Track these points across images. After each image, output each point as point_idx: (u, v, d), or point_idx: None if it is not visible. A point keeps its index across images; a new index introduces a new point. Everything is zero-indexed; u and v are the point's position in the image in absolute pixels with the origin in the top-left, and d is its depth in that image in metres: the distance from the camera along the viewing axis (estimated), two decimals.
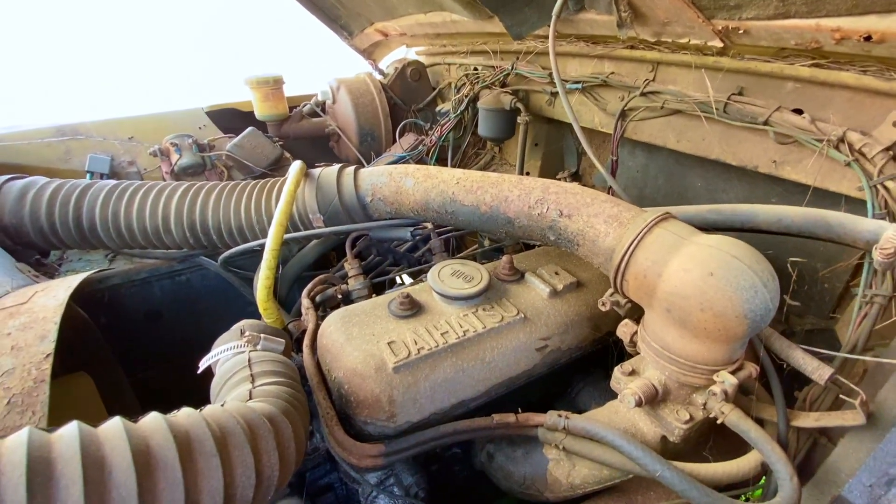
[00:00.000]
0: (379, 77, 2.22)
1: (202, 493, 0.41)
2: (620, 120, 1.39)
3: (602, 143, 1.73)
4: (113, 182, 1.21)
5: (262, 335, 0.72)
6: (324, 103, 2.15)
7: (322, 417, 0.78)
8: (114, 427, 0.40)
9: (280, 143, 1.94)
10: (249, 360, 0.64)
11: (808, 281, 1.14)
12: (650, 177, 1.58)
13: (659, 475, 0.72)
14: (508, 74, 1.76)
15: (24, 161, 1.47)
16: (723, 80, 1.10)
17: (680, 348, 0.75)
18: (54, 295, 0.80)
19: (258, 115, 1.93)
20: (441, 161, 2.04)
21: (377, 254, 1.43)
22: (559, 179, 1.92)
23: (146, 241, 1.22)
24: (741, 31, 0.89)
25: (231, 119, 1.97)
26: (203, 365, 0.71)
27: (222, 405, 0.50)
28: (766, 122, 1.02)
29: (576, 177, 1.92)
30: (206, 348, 1.43)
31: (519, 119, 1.70)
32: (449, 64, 2.22)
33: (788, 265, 1.07)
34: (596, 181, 1.84)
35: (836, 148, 0.92)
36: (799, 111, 1.00)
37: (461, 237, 1.76)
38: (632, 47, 1.29)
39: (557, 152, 1.99)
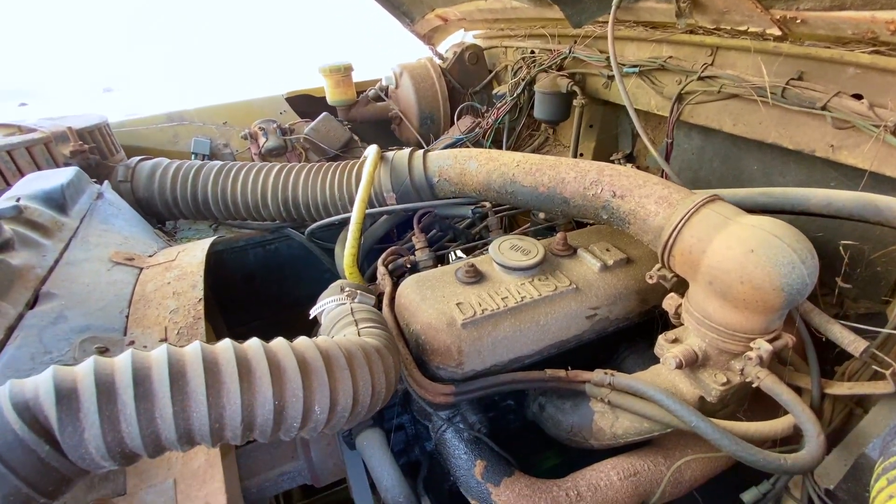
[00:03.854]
0: (438, 61, 2.33)
1: (339, 395, 0.57)
2: (677, 103, 1.42)
3: (658, 126, 1.75)
4: (220, 163, 1.42)
5: (358, 291, 0.89)
6: (387, 88, 2.29)
7: (402, 361, 0.94)
8: (278, 343, 0.57)
9: (349, 126, 2.11)
10: (352, 310, 0.80)
11: (863, 265, 1.16)
12: (706, 159, 1.60)
13: (694, 425, 0.82)
14: (566, 58, 1.81)
15: (143, 143, 1.73)
16: (782, 65, 1.12)
17: (720, 318, 0.83)
18: (194, 255, 1.01)
19: (330, 100, 2.11)
20: (496, 142, 2.14)
21: (439, 229, 1.57)
22: (613, 161, 1.99)
23: (247, 214, 1.43)
24: (799, 21, 0.92)
25: (306, 104, 2.16)
26: (313, 313, 0.89)
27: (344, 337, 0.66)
28: (824, 107, 1.04)
29: (630, 158, 1.96)
30: (289, 306, 1.66)
31: (575, 102, 1.76)
32: (506, 47, 2.28)
33: (841, 248, 1.10)
34: (650, 163, 1.87)
35: (894, 133, 0.94)
36: (858, 96, 1.01)
37: (514, 216, 1.86)
38: (691, 32, 1.31)
39: (612, 134, 2.02)
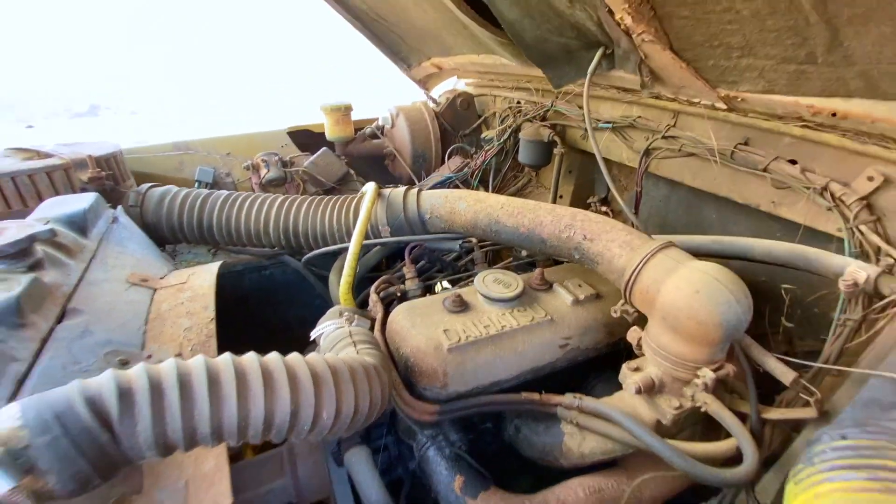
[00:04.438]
0: (432, 105, 2.51)
1: (343, 404, 0.66)
2: (645, 157, 1.60)
3: (630, 175, 1.93)
4: (225, 192, 1.53)
5: (355, 315, 0.99)
6: (384, 127, 2.45)
7: (391, 382, 1.03)
8: (294, 357, 0.67)
9: (345, 160, 2.24)
10: (350, 333, 0.90)
11: (803, 307, 1.31)
12: (671, 207, 1.77)
13: (649, 444, 0.93)
14: (548, 110, 2.00)
15: (150, 170, 1.82)
16: (731, 131, 1.30)
17: (673, 349, 0.96)
18: (204, 278, 1.09)
19: (328, 136, 2.25)
20: (483, 182, 2.30)
21: (428, 261, 1.69)
22: (590, 203, 2.15)
23: (248, 241, 1.52)
24: (740, 99, 1.10)
25: (306, 137, 2.30)
26: (314, 335, 0.98)
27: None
28: (765, 169, 1.21)
29: (604, 202, 2.13)
30: (280, 329, 1.73)
31: (555, 150, 1.93)
32: (495, 96, 2.48)
33: (783, 291, 1.25)
34: (622, 207, 2.04)
35: (822, 195, 1.11)
36: (793, 161, 1.19)
37: (497, 251, 2.00)
38: (657, 97, 1.50)
39: (589, 179, 2.20)
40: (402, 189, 1.45)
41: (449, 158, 2.35)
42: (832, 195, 1.09)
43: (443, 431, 1.08)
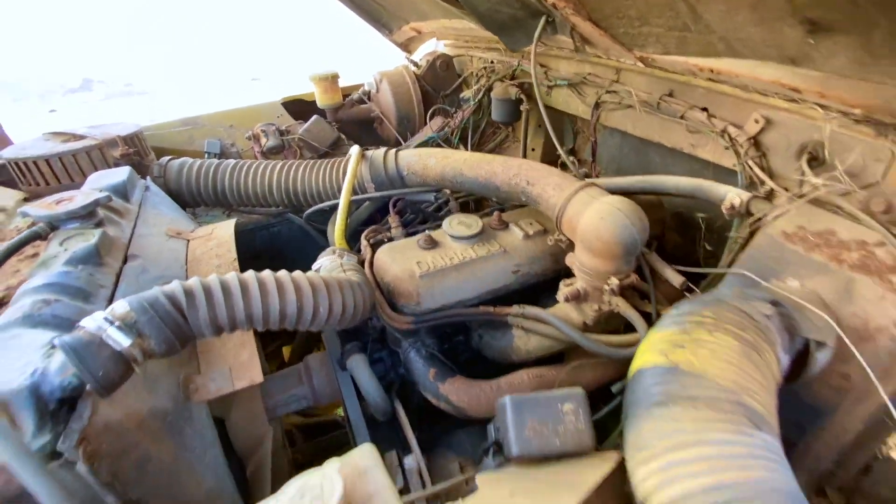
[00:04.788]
0: (413, 68, 2.68)
1: (334, 305, 0.96)
2: (595, 110, 1.81)
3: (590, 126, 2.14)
4: (234, 161, 1.79)
5: (345, 252, 1.27)
6: (369, 92, 2.65)
7: (378, 303, 1.33)
8: (297, 273, 0.95)
9: (336, 126, 2.47)
10: (342, 264, 1.18)
11: (717, 231, 1.57)
12: (625, 154, 2.00)
13: (575, 338, 1.22)
14: (515, 70, 2.19)
15: (165, 144, 2.08)
16: (658, 84, 1.51)
17: (590, 265, 1.23)
18: (225, 230, 1.38)
19: (319, 103, 2.46)
20: (463, 140, 2.52)
21: (411, 213, 1.95)
22: (559, 155, 2.38)
23: (255, 201, 1.79)
24: (650, 59, 1.31)
25: (299, 107, 2.52)
26: (314, 268, 1.27)
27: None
28: (682, 117, 1.44)
29: (572, 152, 2.35)
30: None
31: (522, 107, 2.14)
32: (471, 56, 2.64)
33: (700, 220, 1.51)
34: (587, 155, 2.26)
35: (722, 136, 1.34)
36: (704, 109, 1.40)
37: (478, 201, 2.25)
38: (598, 56, 1.70)
39: (558, 132, 2.41)
40: (382, 150, 1.70)
41: (431, 119, 2.55)
42: (729, 136, 1.32)
43: (420, 338, 1.39)
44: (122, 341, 0.72)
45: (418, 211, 1.98)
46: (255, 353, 1.05)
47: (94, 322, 0.72)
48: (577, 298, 1.28)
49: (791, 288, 0.93)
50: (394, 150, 1.69)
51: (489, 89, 2.35)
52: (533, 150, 2.42)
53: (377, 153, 1.69)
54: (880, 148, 1.01)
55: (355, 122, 2.61)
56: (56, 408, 0.69)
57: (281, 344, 2.42)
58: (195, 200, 1.77)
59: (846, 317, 0.88)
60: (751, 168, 1.28)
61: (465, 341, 1.56)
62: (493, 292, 1.44)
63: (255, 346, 1.03)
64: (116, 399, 0.78)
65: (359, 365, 1.38)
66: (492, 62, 2.42)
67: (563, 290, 1.29)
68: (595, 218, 1.17)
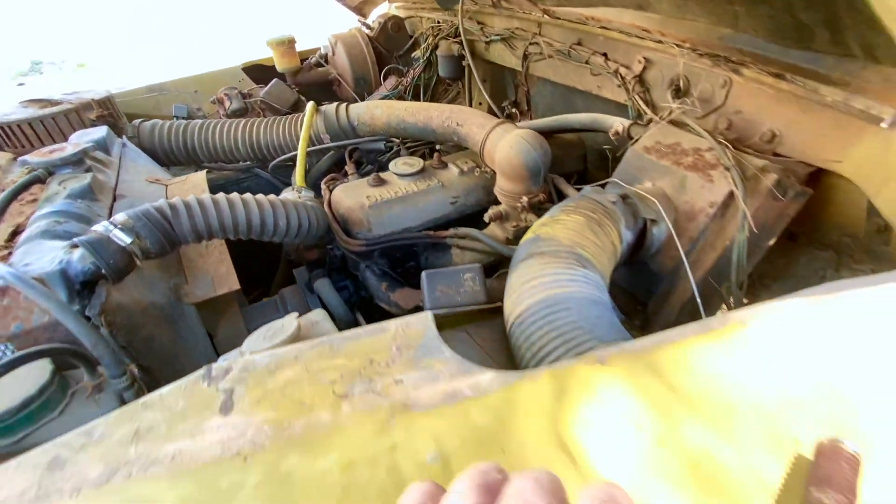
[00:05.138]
0: (366, 30, 2.84)
1: (291, 220, 1.20)
2: (524, 61, 2.04)
3: (528, 78, 2.37)
4: (201, 121, 1.97)
5: (303, 189, 1.51)
6: (326, 55, 2.81)
7: (335, 231, 1.58)
8: (259, 195, 1.19)
9: (296, 89, 2.64)
10: (300, 196, 1.42)
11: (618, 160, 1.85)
12: (556, 100, 2.24)
13: (497, 250, 1.50)
14: (457, 28, 2.38)
15: (133, 110, 2.23)
16: (569, 34, 1.75)
17: (507, 188, 1.50)
18: (197, 177, 1.59)
19: (278, 68, 2.62)
20: (416, 97, 2.72)
21: (368, 163, 2.18)
22: (504, 106, 2.61)
23: (224, 157, 1.99)
24: (552, 12, 1.55)
25: (259, 72, 2.67)
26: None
27: None
28: (587, 62, 1.68)
29: (514, 104, 2.58)
30: None
31: (464, 63, 2.35)
32: (421, 17, 2.81)
33: (607, 150, 1.78)
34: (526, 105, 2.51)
35: (616, 76, 1.60)
36: (605, 54, 1.65)
37: (431, 149, 2.48)
38: (524, 11, 1.92)
39: (502, 86, 2.64)
40: (334, 104, 1.91)
41: (385, 79, 2.74)
42: (621, 76, 1.58)
43: (374, 261, 1.65)
44: (125, 238, 0.95)
45: (373, 160, 2.21)
46: (232, 267, 1.29)
47: (101, 227, 0.96)
48: (500, 218, 1.55)
49: (645, 187, 1.22)
50: (345, 104, 1.91)
51: (436, 48, 2.55)
52: (480, 104, 2.64)
53: (330, 107, 1.90)
54: (718, 76, 1.28)
55: (314, 85, 2.78)
56: (80, 289, 0.93)
57: (261, 294, 2.66)
58: (168, 159, 1.96)
59: (680, 204, 1.17)
60: (637, 102, 1.55)
61: (415, 266, 1.83)
62: (434, 221, 1.70)
63: (231, 264, 1.27)
64: (124, 289, 1.02)
65: (324, 286, 1.64)
66: (438, 22, 2.60)
67: (489, 212, 1.56)
68: (506, 147, 1.42)
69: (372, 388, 0.64)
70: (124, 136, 1.78)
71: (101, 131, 1.61)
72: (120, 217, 0.99)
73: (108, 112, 1.84)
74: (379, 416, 0.60)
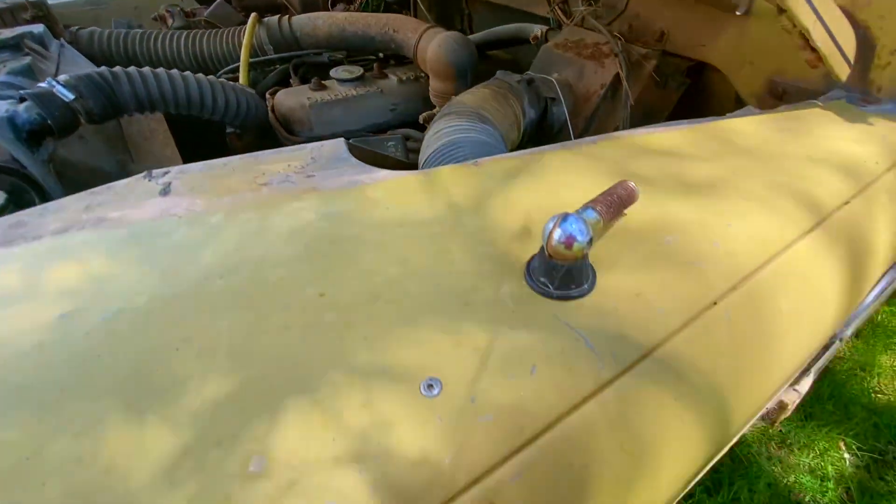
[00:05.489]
0: None
1: (228, 97, 1.30)
2: None
3: (473, 3, 2.47)
4: (142, 31, 1.98)
5: (246, 87, 1.59)
6: None
7: (275, 128, 1.67)
8: (199, 75, 1.28)
9: (242, 13, 2.62)
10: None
11: None
12: (497, 24, 2.36)
13: None
14: None
15: (69, 23, 2.19)
16: None
17: (439, 88, 1.63)
18: None
19: None
20: None
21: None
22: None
23: (168, 67, 2.01)
24: None
25: None
26: None
27: None
28: None
29: (460, 30, 2.67)
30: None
31: None
32: None
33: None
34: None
35: None
36: None
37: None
38: None
39: (448, 12, 2.71)
40: (277, 17, 1.96)
41: (333, 6, 2.76)
42: None
43: None
44: (68, 94, 1.04)
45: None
46: (177, 151, 1.39)
47: (46, 82, 1.04)
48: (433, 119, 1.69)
49: (552, 77, 1.38)
50: (287, 16, 1.96)
51: None
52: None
53: (272, 18, 1.95)
54: None
55: (261, 9, 2.76)
56: (27, 137, 1.02)
57: None
58: (109, 65, 1.97)
59: (579, 88, 1.35)
60: (557, 12, 1.70)
61: None
62: (375, 126, 1.82)
63: (176, 149, 1.37)
64: (71, 150, 1.11)
65: None
66: None
67: (424, 114, 1.69)
68: (435, 47, 1.55)
69: (288, 179, 0.79)
70: (62, 39, 1.78)
71: (38, 27, 1.62)
72: (63, 77, 1.07)
73: (44, 14, 1.83)
74: (292, 192, 0.76)
